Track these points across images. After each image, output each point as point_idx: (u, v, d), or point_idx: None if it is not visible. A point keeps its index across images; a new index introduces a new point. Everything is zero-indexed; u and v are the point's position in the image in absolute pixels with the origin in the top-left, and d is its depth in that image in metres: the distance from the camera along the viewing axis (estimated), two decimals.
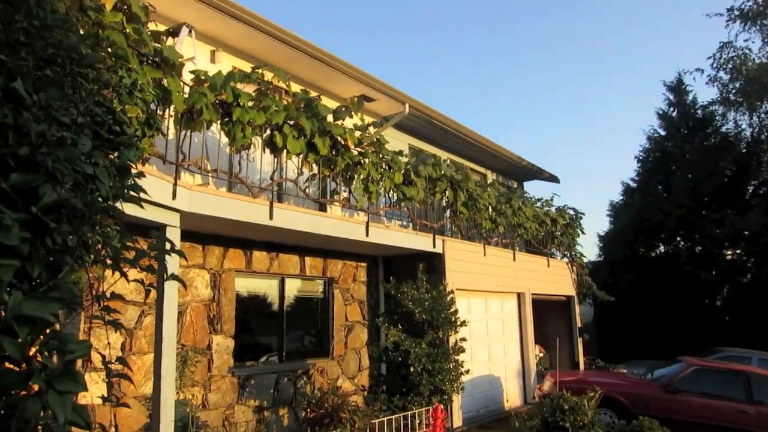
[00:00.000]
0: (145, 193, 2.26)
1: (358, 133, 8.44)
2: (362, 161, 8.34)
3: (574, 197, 49.45)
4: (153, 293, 6.08)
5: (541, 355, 13.75)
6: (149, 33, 5.31)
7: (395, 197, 9.20)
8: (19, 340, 1.36)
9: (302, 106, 7.52)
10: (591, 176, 50.97)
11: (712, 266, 19.00)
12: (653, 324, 19.11)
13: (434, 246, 9.78)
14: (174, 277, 2.06)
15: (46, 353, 1.36)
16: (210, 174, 6.77)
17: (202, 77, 6.30)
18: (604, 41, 46.20)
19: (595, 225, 55.53)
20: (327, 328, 9.52)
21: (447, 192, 10.24)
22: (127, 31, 4.66)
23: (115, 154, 2.26)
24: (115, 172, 2.46)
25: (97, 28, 4.02)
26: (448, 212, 10.67)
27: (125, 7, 4.71)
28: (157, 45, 5.19)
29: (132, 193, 2.10)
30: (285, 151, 7.09)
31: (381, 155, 8.67)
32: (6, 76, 1.84)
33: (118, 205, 2.23)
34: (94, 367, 5.66)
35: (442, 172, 10.03)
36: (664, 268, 19.56)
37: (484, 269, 11.01)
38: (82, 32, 3.80)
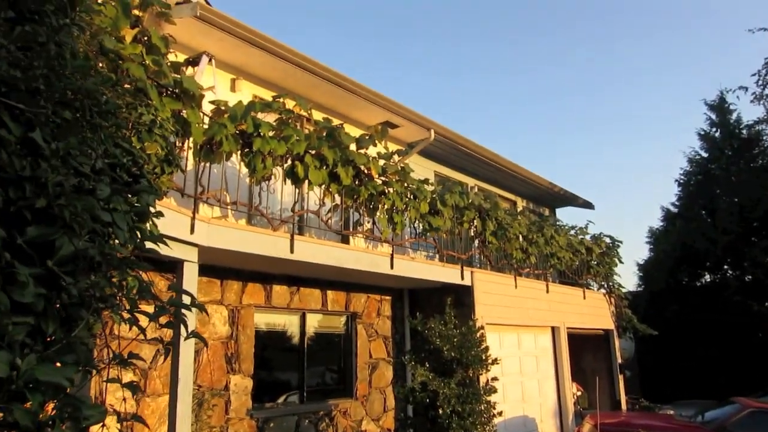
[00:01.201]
0: (165, 244, 2.27)
1: (382, 162, 8.47)
2: (386, 191, 8.38)
3: (610, 224, 48.84)
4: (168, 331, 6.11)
5: (579, 393, 13.44)
6: (169, 64, 5.43)
7: (421, 227, 9.21)
8: (29, 404, 1.36)
9: (324, 135, 7.60)
10: (627, 202, 50.31)
11: (764, 297, 18.48)
12: (701, 360, 18.53)
13: (462, 278, 9.70)
14: (194, 334, 2.06)
15: (59, 423, 1.35)
16: (229, 206, 6.84)
17: (222, 107, 6.40)
18: (637, 59, 46.00)
19: (634, 253, 54.70)
20: (350, 366, 9.45)
21: (475, 221, 10.22)
22: (147, 62, 4.77)
23: (134, 199, 2.29)
24: (133, 216, 2.49)
25: (115, 64, 4.12)
26: (476, 242, 10.63)
27: (145, 38, 4.83)
28: (176, 76, 5.29)
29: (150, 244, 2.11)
30: (306, 181, 7.15)
31: (406, 184, 8.72)
32: (24, 125, 1.88)
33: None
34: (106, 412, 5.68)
35: (470, 200, 10.02)
36: (710, 299, 19.04)
37: (515, 302, 10.87)
38: (100, 71, 3.91)
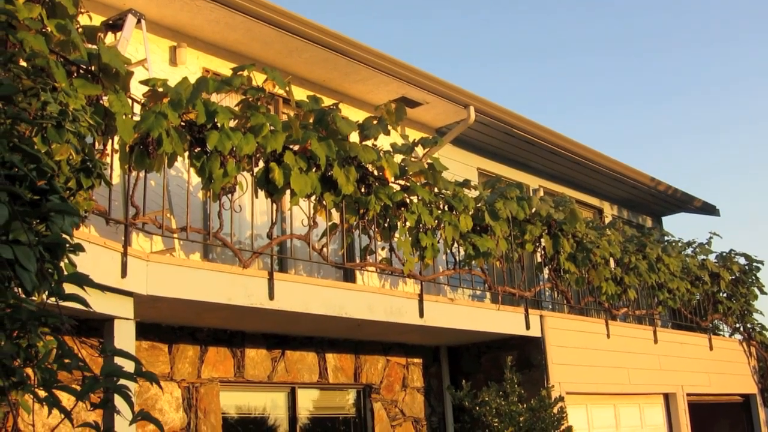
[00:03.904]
0: (95, 286, 2.31)
1: (399, 158, 8.47)
2: (408, 200, 8.38)
3: (743, 238, 48.30)
4: None
5: None
6: (80, 30, 5.49)
7: (462, 253, 9.19)
8: None
9: (312, 121, 7.63)
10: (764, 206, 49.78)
11: None
12: None
13: (528, 326, 9.64)
14: (144, 416, 2.08)
15: None
16: (175, 235, 6.86)
17: (160, 89, 6.47)
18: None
19: None
20: None
21: (543, 240, 10.19)
22: (49, 29, 4.83)
23: (42, 226, 2.33)
24: (42, 250, 2.53)
25: (4, 34, 4.18)
26: (545, 271, 10.56)
27: None
28: (92, 47, 5.34)
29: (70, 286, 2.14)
30: (288, 191, 7.14)
31: (437, 189, 8.71)
32: None
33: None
34: None
35: (534, 209, 10.00)
36: None
37: (609, 359, 10.79)
38: None
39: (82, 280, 2.53)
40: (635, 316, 11.92)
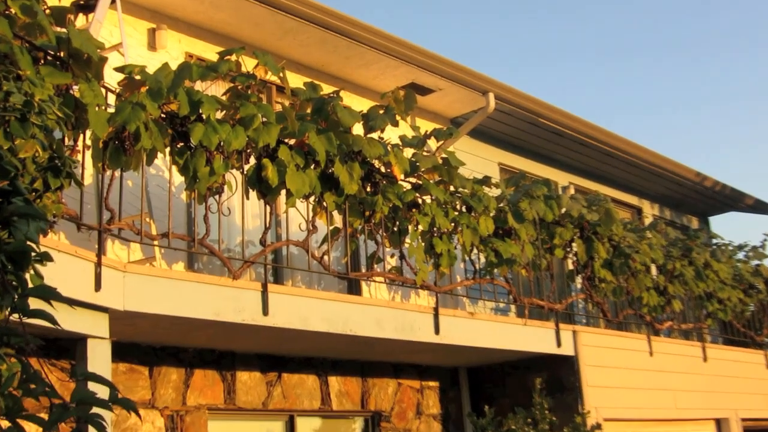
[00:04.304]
0: (62, 300, 2.28)
1: (409, 152, 8.44)
2: (420, 200, 8.36)
3: None
4: None
5: None
6: (48, 12, 5.46)
7: (483, 260, 9.17)
8: None
9: (309, 111, 7.61)
10: None
11: None
12: None
13: (559, 344, 9.61)
14: None
15: None
16: (156, 242, 6.84)
17: (137, 77, 6.44)
18: None
19: None
20: None
21: (574, 244, 10.16)
22: (12, 11, 4.80)
23: (5, 232, 2.31)
24: (4, 260, 2.50)
25: None
26: (578, 280, 10.53)
27: None
28: (61, 30, 5.32)
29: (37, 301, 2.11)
30: (284, 191, 7.13)
31: (453, 188, 8.69)
32: None
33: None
34: None
35: (564, 209, 9.97)
36: None
37: (651, 380, 10.74)
38: None
39: (50, 294, 2.50)
40: (681, 331, 11.86)
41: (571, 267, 10.67)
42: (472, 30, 50.51)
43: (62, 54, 5.41)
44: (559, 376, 9.68)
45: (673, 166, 14.51)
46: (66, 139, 5.65)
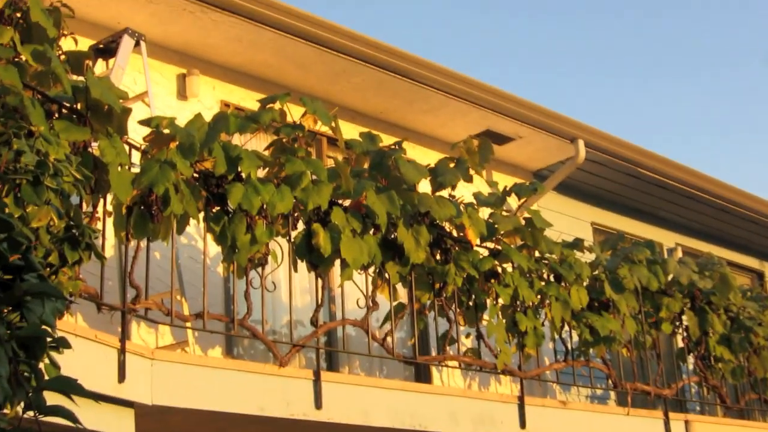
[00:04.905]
0: (82, 393, 2.27)
1: (486, 212, 8.43)
2: (500, 269, 8.26)
3: None
4: None
5: None
6: (63, 57, 5.53)
7: (575, 338, 9.00)
8: None
9: (367, 167, 7.62)
10: None
11: None
12: None
13: None
14: None
15: None
16: (189, 323, 6.86)
17: (166, 130, 6.52)
18: None
19: None
20: None
21: (684, 317, 9.97)
22: (23, 58, 4.88)
23: (16, 315, 2.31)
24: (15, 348, 2.50)
25: None
26: (690, 359, 10.34)
27: (17, 14, 4.99)
28: (78, 79, 5.39)
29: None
30: (338, 261, 7.12)
31: (538, 253, 8.59)
32: None
33: None
34: None
35: (671, 275, 9.80)
36: None
37: None
38: None
39: (69, 387, 2.50)
40: None
41: (681, 344, 10.53)
42: (555, 74, 50.81)
43: (79, 106, 5.44)
44: None
45: None
46: (84, 205, 5.56)
